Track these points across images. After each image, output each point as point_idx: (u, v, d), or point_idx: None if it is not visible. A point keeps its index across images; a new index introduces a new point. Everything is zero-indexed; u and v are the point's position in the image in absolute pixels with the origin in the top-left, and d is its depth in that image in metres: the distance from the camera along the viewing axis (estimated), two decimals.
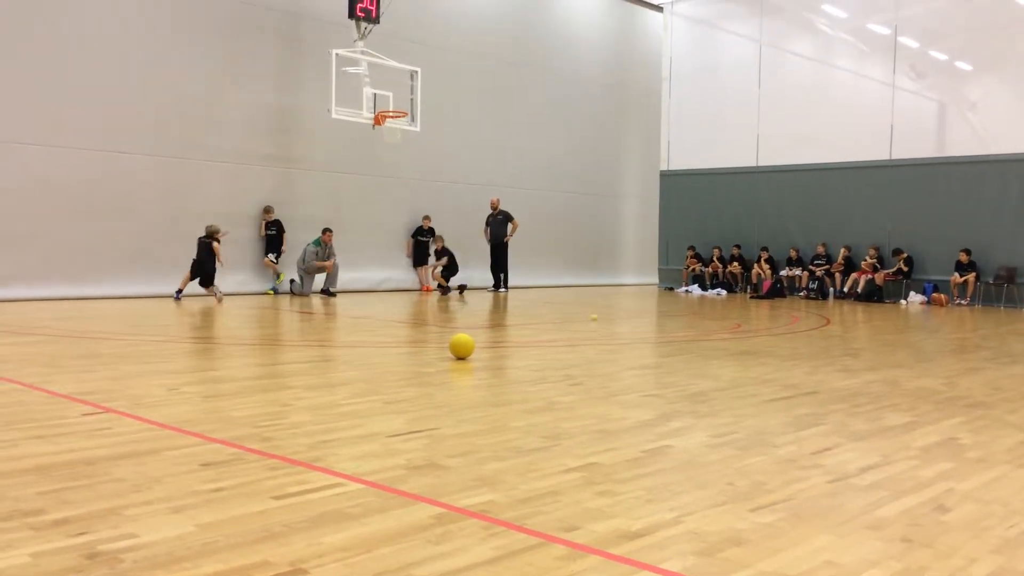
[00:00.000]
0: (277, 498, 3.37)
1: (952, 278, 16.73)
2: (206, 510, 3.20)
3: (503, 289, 18.10)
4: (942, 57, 18.93)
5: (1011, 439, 4.73)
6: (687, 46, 21.70)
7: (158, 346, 8.21)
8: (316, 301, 14.68)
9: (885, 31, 18.55)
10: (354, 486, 3.56)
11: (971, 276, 16.45)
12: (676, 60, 21.73)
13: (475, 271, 18.69)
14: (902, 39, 18.37)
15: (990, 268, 16.58)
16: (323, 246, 15.79)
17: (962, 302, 16.55)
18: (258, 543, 2.86)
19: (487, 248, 18.30)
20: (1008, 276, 16.30)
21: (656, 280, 22.27)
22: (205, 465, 3.84)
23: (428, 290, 17.59)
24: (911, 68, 18.58)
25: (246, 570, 2.63)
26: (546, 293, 18.43)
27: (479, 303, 15.15)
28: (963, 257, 16.58)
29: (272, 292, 15.86)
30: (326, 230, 15.83)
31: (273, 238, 15.94)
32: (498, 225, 18.16)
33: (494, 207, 18.27)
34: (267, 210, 15.89)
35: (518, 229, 18.23)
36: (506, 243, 18.14)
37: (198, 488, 3.48)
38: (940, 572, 2.74)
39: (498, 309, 14.09)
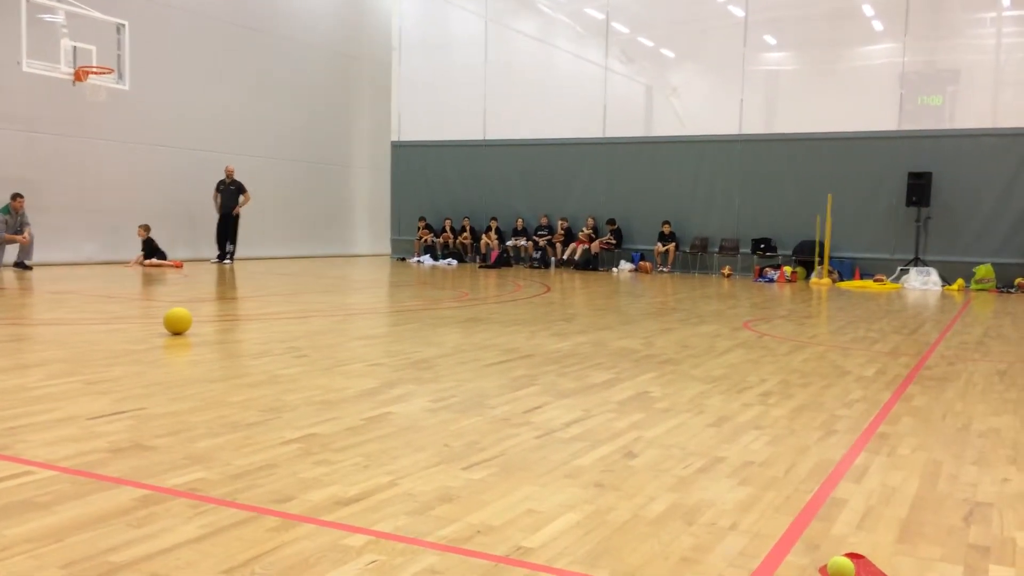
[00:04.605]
0: None
1: (656, 247, 18.38)
2: None
3: (228, 261, 17.30)
4: (649, 44, 20.58)
5: (693, 390, 5.33)
6: (416, 17, 21.80)
7: None
8: (9, 275, 13.16)
9: (599, 16, 19.80)
10: (45, 473, 3.28)
11: (671, 246, 18.16)
12: (406, 31, 21.77)
13: (201, 241, 17.71)
14: (614, 24, 19.72)
15: (687, 239, 18.41)
16: (14, 214, 14.13)
17: (664, 269, 18.24)
18: None
19: (204, 215, 17.43)
20: (701, 246, 18.20)
21: (389, 250, 22.36)
22: None
23: (180, 266, 15.96)
24: (622, 52, 20.03)
25: None
26: (275, 264, 17.87)
27: (202, 275, 14.37)
28: (665, 228, 18.25)
29: None
30: (16, 195, 14.17)
31: None
32: (229, 195, 17.30)
33: (228, 175, 17.36)
34: None
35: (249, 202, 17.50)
36: (236, 215, 17.34)
37: None
38: (625, 511, 3.05)
39: (222, 281, 13.46)
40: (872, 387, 5.62)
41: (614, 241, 18.76)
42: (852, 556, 2.56)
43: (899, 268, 16.19)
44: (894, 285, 15.51)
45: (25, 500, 2.98)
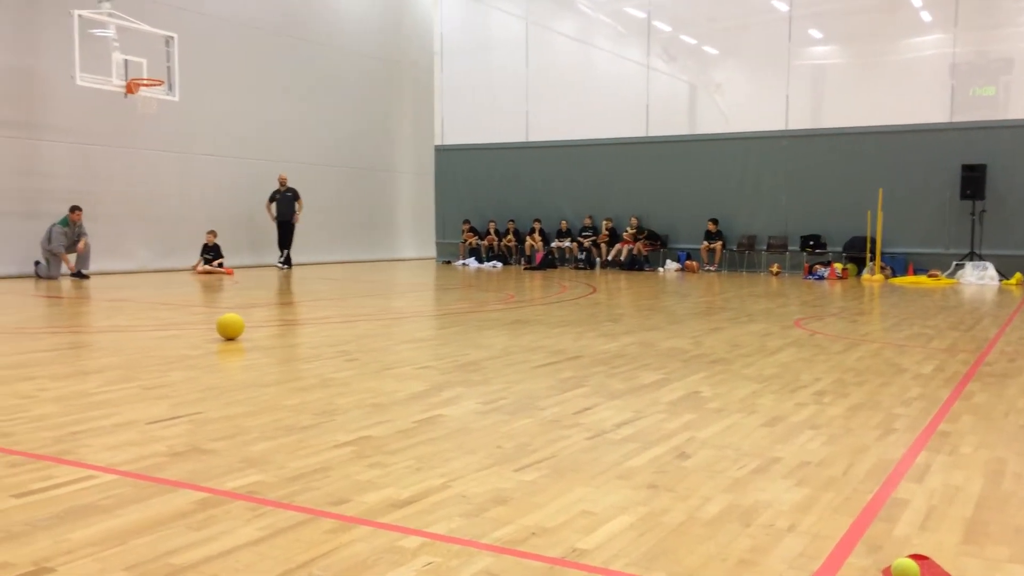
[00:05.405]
0: (18, 496, 3.11)
1: (702, 246, 18.21)
2: None
3: (284, 266, 17.72)
4: (691, 42, 20.41)
5: (745, 390, 5.26)
6: (458, 21, 21.90)
7: None
8: (67, 284, 13.51)
9: (640, 15, 19.69)
10: (107, 477, 3.35)
11: (718, 244, 17.98)
12: (447, 35, 21.88)
13: (257, 247, 18.07)
14: (656, 23, 19.59)
15: (734, 237, 18.20)
16: (72, 225, 14.49)
17: (710, 268, 18.06)
18: None
19: (256, 223, 17.76)
20: (749, 244, 17.98)
21: (434, 254, 22.47)
22: None
23: (231, 273, 16.37)
24: (664, 51, 19.88)
25: None
26: (322, 269, 18.08)
27: (253, 281, 14.59)
28: (711, 227, 18.07)
29: None
30: (74, 208, 14.53)
31: None
32: (286, 202, 17.67)
33: (282, 183, 17.69)
34: None
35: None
36: (293, 222, 17.70)
37: None
38: (679, 513, 3.02)
39: (273, 287, 13.65)
40: (930, 385, 5.49)
41: (653, 244, 18.63)
42: (916, 557, 2.50)
43: (954, 263, 15.82)
44: (949, 280, 15.15)
45: (89, 504, 3.04)
